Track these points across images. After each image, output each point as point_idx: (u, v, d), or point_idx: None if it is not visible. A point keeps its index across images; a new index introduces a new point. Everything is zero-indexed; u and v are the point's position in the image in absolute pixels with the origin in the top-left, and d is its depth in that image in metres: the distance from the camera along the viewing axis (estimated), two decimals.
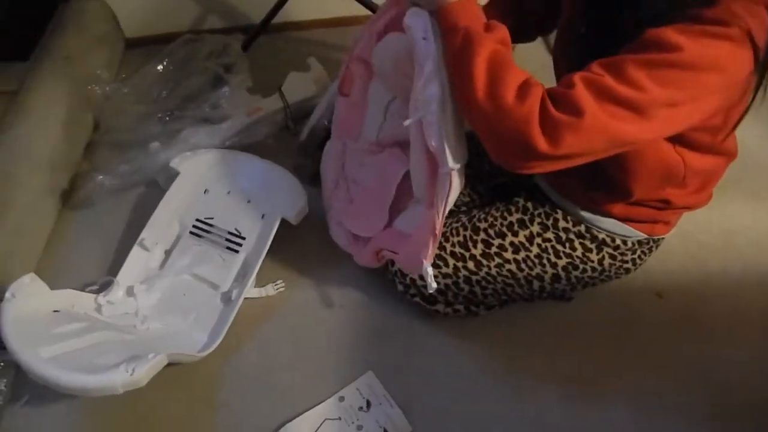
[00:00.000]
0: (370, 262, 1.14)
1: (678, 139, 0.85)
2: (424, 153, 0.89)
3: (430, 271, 0.94)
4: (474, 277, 1.07)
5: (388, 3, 1.06)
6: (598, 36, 0.81)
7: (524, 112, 0.72)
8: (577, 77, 0.72)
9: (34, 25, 1.66)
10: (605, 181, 0.93)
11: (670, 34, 0.69)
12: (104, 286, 1.18)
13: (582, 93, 0.71)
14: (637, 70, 0.69)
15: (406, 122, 0.87)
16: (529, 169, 0.77)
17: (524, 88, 0.74)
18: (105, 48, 1.78)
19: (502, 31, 0.79)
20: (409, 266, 1.05)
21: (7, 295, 0.99)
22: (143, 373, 0.90)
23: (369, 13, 1.72)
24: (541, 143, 0.72)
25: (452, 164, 0.85)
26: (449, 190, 0.87)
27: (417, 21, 0.84)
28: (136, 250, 1.23)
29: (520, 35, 1.14)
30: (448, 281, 1.07)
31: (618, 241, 1.04)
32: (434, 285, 0.95)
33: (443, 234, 1.08)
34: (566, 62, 0.97)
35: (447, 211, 0.91)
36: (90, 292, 1.16)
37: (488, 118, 0.75)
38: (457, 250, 1.07)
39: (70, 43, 1.63)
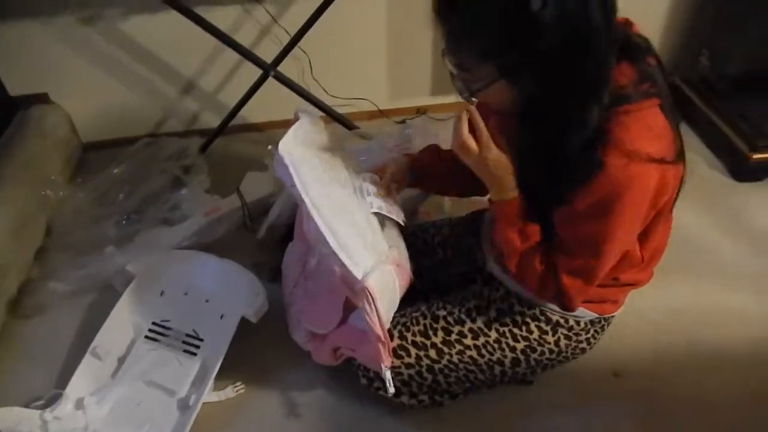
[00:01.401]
0: (327, 360, 1.13)
1: None
2: (339, 280, 0.93)
3: (388, 375, 0.97)
4: (436, 366, 1.07)
5: None
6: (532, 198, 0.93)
7: (547, 297, 0.97)
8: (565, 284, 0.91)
9: None
10: None
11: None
12: (51, 401, 1.12)
13: (576, 289, 0.91)
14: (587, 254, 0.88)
15: (312, 263, 0.92)
16: None
17: (543, 283, 0.94)
18: (61, 153, 1.80)
19: (534, 236, 0.93)
20: (371, 364, 1.06)
21: None
22: None
23: (322, 114, 1.83)
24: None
25: (361, 277, 0.88)
26: (374, 301, 0.89)
27: (282, 172, 0.94)
28: (87, 359, 1.18)
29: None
30: (411, 371, 1.07)
31: (572, 322, 1.08)
32: (392, 390, 0.98)
33: (404, 324, 1.09)
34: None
35: (387, 316, 0.95)
36: (36, 407, 1.10)
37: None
38: (418, 339, 1.08)
39: (27, 149, 1.65)
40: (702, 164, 1.81)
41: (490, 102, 0.86)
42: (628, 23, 0.87)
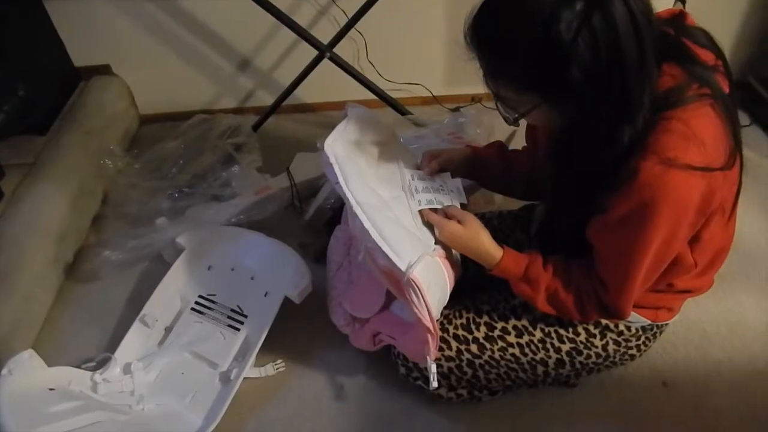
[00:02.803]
0: (366, 345, 1.13)
1: None
2: (383, 276, 0.92)
3: (433, 369, 0.95)
4: (477, 361, 1.06)
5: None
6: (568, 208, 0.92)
7: (594, 317, 0.95)
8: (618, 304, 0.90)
9: (54, 102, 1.74)
10: None
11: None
12: (102, 363, 1.16)
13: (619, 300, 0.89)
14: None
15: (359, 257, 0.94)
16: None
17: (582, 308, 0.93)
18: (120, 124, 1.85)
19: (540, 276, 0.94)
20: (412, 356, 1.05)
21: (4, 371, 0.98)
22: None
23: (375, 98, 1.81)
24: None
25: (405, 269, 0.86)
26: (421, 292, 0.87)
27: (328, 169, 0.95)
28: (136, 326, 1.22)
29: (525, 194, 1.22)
30: (451, 364, 1.06)
31: (621, 327, 1.04)
32: (434, 384, 0.96)
33: (446, 316, 1.08)
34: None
35: (437, 308, 0.93)
36: (87, 368, 1.15)
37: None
38: (460, 332, 1.06)
39: (89, 119, 1.71)
40: None
41: (535, 122, 0.91)
42: (682, 15, 0.83)
